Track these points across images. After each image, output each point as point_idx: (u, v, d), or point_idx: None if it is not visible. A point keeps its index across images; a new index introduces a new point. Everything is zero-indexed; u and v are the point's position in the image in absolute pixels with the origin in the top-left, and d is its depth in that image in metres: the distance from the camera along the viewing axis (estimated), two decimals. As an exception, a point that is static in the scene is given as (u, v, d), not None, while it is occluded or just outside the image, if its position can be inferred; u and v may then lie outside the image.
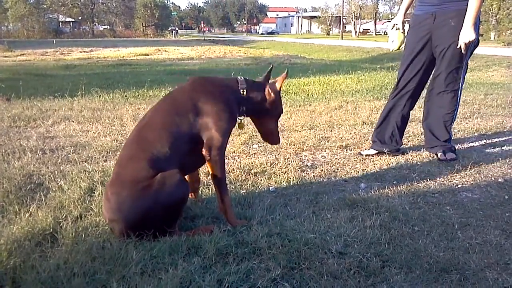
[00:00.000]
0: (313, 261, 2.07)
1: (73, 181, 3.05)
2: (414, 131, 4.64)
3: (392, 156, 3.84)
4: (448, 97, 3.78)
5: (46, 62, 16.06)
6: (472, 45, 3.60)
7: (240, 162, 3.58)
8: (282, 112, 2.70)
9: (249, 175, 3.32)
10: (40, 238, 2.24)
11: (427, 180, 3.26)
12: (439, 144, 3.81)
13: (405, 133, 4.12)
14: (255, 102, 2.54)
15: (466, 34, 3.45)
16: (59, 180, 3.10)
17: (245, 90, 2.49)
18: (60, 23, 67.46)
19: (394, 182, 3.23)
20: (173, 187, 2.19)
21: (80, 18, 67.33)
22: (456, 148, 3.92)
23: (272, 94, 2.56)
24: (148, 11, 66.98)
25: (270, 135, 2.72)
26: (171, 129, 2.31)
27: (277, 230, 2.35)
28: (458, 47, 3.50)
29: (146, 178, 2.17)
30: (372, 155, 3.88)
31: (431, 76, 3.89)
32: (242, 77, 2.54)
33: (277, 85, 2.58)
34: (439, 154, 3.78)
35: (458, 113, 3.91)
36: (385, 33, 71.44)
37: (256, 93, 2.54)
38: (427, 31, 3.71)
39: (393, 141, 3.91)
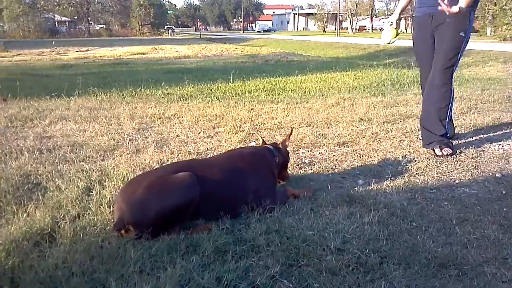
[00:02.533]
0: (311, 258, 2.08)
1: (70, 181, 3.05)
2: (411, 127, 4.64)
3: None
4: (441, 92, 3.84)
5: (42, 62, 16.01)
6: (464, 43, 3.75)
7: (237, 160, 3.58)
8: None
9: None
10: (38, 238, 2.24)
11: (424, 176, 3.27)
12: (436, 140, 3.82)
13: (402, 129, 4.24)
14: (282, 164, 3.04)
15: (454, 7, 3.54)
16: (56, 179, 3.09)
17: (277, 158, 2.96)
18: (56, 23, 67.22)
19: (392, 178, 3.23)
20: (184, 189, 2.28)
21: (76, 17, 67.15)
22: (453, 143, 3.93)
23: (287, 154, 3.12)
24: (144, 10, 66.81)
25: (285, 178, 3.12)
26: None
27: (276, 228, 2.36)
28: (440, 8, 3.58)
29: None
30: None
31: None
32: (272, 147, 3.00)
33: (287, 144, 3.15)
34: (436, 150, 3.79)
35: (454, 108, 3.92)
36: (381, 29, 71.61)
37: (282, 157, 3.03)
38: (430, 32, 3.89)
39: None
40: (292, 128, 3.43)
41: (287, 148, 3.15)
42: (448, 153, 3.75)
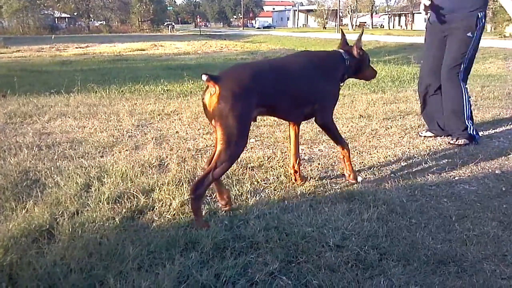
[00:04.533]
0: (310, 254, 2.08)
1: (69, 177, 3.04)
2: (411, 123, 4.63)
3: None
4: (450, 90, 3.99)
5: (42, 58, 15.96)
6: (472, 43, 3.87)
7: (237, 157, 3.57)
8: (369, 58, 3.28)
9: (246, 169, 3.31)
10: (37, 234, 2.24)
11: (424, 173, 3.27)
12: (457, 133, 3.97)
13: (402, 126, 4.50)
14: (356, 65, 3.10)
15: None
16: (55, 176, 3.09)
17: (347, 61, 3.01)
18: (56, 19, 67.10)
19: (391, 175, 3.22)
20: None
21: (75, 13, 66.92)
22: (478, 136, 4.02)
23: (359, 51, 3.10)
24: (144, 6, 66.66)
25: (370, 76, 3.37)
26: None
27: (275, 224, 2.36)
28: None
29: None
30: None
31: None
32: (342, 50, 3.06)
33: (359, 44, 3.08)
34: (451, 139, 3.99)
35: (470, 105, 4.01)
36: (382, 26, 71.43)
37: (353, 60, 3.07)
38: (441, 37, 4.06)
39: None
40: (363, 28, 3.66)
41: (362, 48, 3.15)
42: (462, 143, 3.90)
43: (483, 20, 3.87)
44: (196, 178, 2.52)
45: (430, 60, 4.16)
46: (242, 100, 2.34)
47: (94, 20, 70.25)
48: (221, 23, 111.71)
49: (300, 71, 2.75)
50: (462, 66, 3.91)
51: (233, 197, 2.76)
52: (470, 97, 4.04)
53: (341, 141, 2.97)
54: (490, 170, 3.33)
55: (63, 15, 67.45)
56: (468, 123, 3.95)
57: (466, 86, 4.00)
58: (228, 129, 2.29)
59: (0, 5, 55.85)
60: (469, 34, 3.84)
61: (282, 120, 3.12)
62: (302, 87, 2.73)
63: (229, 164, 2.38)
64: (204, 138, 4.20)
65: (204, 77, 2.26)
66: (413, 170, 3.34)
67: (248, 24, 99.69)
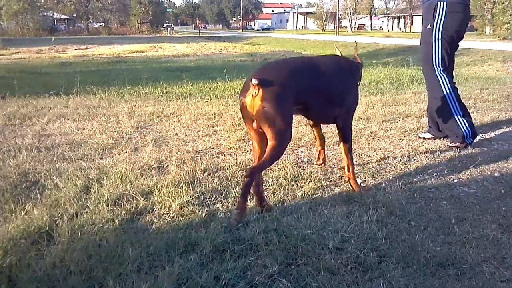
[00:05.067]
0: (310, 257, 2.08)
1: (68, 179, 3.04)
2: (410, 126, 4.63)
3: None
4: (430, 83, 4.10)
5: (41, 60, 15.96)
6: (435, 34, 3.90)
7: (236, 159, 3.58)
8: None
9: (245, 171, 3.31)
10: (36, 236, 2.24)
11: (423, 175, 3.27)
12: (452, 135, 3.99)
13: (401, 128, 4.55)
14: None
15: None
16: (54, 178, 3.09)
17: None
18: (55, 21, 67.11)
19: (391, 177, 3.22)
20: None
21: (75, 15, 66.97)
22: (470, 132, 3.94)
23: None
24: (143, 8, 66.73)
25: None
26: None
27: (274, 226, 2.36)
28: None
29: None
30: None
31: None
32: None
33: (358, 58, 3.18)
34: (448, 141, 4.02)
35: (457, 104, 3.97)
36: (381, 28, 71.53)
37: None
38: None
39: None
40: (356, 42, 3.68)
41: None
42: (456, 146, 3.89)
43: (444, 10, 3.82)
44: (252, 165, 2.70)
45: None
46: (284, 99, 2.44)
47: (93, 21, 70.27)
48: (220, 25, 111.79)
49: (333, 73, 2.87)
50: (434, 57, 3.93)
51: (233, 199, 2.76)
52: (455, 88, 3.99)
53: (350, 140, 3.03)
54: (489, 173, 3.33)
55: (63, 16, 67.48)
56: (458, 119, 3.91)
57: (446, 75, 3.96)
58: (276, 127, 2.40)
59: (1, 6, 55.87)
60: (428, 26, 3.91)
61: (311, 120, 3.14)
62: (335, 88, 2.84)
63: (279, 156, 2.59)
64: (203, 140, 4.20)
65: (254, 82, 2.33)
66: (412, 172, 3.34)
67: (247, 26, 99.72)
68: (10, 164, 3.40)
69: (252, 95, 2.36)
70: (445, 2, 3.80)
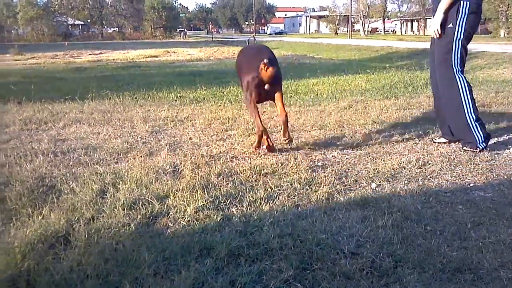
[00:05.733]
0: (325, 261, 2.07)
1: (84, 183, 3.07)
2: (425, 129, 4.60)
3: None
4: (444, 86, 3.99)
5: (56, 65, 16.15)
6: (457, 34, 3.83)
7: (250, 163, 3.59)
8: None
9: (259, 175, 3.32)
10: (53, 240, 2.26)
11: (439, 179, 3.25)
12: (466, 139, 3.95)
13: (416, 132, 4.54)
14: None
15: (433, 21, 3.92)
16: (71, 182, 3.12)
17: None
18: (70, 26, 67.83)
19: (406, 181, 3.21)
20: None
21: (89, 20, 67.69)
22: (482, 136, 3.88)
23: None
24: (156, 13, 67.20)
25: None
26: None
27: (289, 231, 2.36)
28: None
29: None
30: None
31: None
32: None
33: None
34: (462, 145, 3.99)
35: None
36: (394, 31, 71.22)
37: None
38: None
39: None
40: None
41: None
42: (471, 150, 3.86)
43: (467, 10, 3.77)
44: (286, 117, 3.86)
45: (432, 57, 4.16)
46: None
47: (107, 27, 70.97)
48: (233, 30, 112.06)
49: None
50: (453, 58, 3.86)
51: (247, 203, 2.77)
52: (470, 88, 3.90)
53: None
54: (505, 177, 3.30)
55: (77, 22, 68.19)
56: (471, 124, 3.86)
57: (464, 76, 3.91)
58: (281, 82, 3.96)
59: (16, 12, 56.69)
60: (450, 25, 3.83)
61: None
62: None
63: None
64: (217, 145, 4.21)
65: (266, 61, 3.61)
66: (428, 176, 3.32)
67: (260, 30, 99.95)
68: (27, 168, 3.44)
69: (265, 69, 3.63)
70: (467, 2, 3.76)
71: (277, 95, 3.84)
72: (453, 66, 3.86)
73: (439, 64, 3.98)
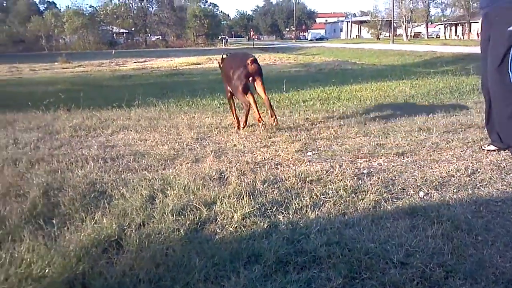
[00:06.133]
0: (374, 271, 2.06)
1: (134, 189, 3.15)
2: (473, 137, 4.50)
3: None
4: (500, 91, 3.80)
5: (102, 73, 16.61)
6: None
7: (295, 170, 3.59)
8: None
9: (304, 183, 3.32)
10: (106, 244, 2.33)
11: (489, 188, 3.16)
12: None
13: (464, 139, 4.42)
14: None
15: None
16: (121, 188, 3.20)
17: None
18: (114, 35, 69.64)
19: (455, 190, 3.14)
20: None
21: (133, 29, 69.30)
22: None
23: None
24: (199, 21, 68.18)
25: None
26: None
27: (336, 239, 2.35)
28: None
29: None
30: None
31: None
32: None
33: None
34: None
35: None
36: (437, 36, 69.84)
37: None
38: (487, 33, 3.88)
39: None
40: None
41: None
42: None
43: None
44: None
45: (484, 62, 3.99)
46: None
47: (151, 35, 72.44)
48: (274, 36, 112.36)
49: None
50: (510, 63, 3.67)
51: (293, 211, 2.78)
52: None
53: None
54: (560, 186, 3.20)
55: (121, 30, 69.90)
56: None
57: None
58: (262, 77, 5.14)
59: (63, 21, 58.66)
60: (510, 28, 3.61)
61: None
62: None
63: None
64: (262, 151, 4.24)
65: (252, 59, 4.96)
66: (477, 185, 3.24)
67: (301, 36, 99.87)
68: (79, 174, 3.55)
69: (252, 64, 4.94)
70: None
71: (259, 84, 5.06)
72: (510, 71, 3.73)
73: (493, 69, 3.80)
